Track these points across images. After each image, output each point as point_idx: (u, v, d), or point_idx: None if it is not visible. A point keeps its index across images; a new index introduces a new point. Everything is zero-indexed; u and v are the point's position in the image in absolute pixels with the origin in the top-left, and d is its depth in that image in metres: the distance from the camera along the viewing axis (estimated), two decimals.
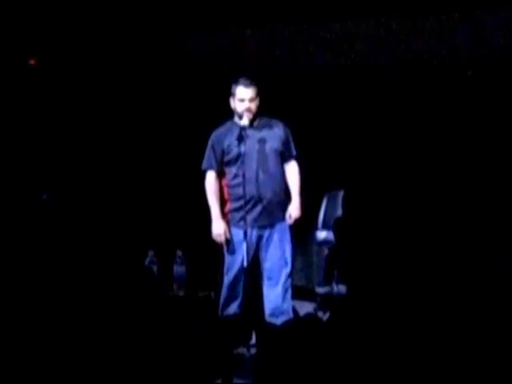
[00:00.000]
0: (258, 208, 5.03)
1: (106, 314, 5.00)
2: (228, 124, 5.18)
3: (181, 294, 6.39)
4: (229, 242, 5.13)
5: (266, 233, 5.09)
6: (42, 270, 5.94)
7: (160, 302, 5.69)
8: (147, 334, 4.79)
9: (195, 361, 4.56)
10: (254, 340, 5.08)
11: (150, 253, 6.65)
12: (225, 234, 5.11)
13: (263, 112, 5.22)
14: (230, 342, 5.00)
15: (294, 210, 5.10)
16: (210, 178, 5.19)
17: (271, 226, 5.10)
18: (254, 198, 5.02)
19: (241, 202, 5.06)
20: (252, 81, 5.11)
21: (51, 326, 4.67)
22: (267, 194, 5.04)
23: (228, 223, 5.14)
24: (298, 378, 4.15)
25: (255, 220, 5.04)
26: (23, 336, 4.52)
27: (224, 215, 5.15)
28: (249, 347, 5.05)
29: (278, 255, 5.09)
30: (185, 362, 4.51)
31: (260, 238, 5.08)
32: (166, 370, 4.39)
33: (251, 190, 5.01)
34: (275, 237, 5.10)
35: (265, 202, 5.04)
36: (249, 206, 5.04)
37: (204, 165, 5.20)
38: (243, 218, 5.03)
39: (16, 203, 7.03)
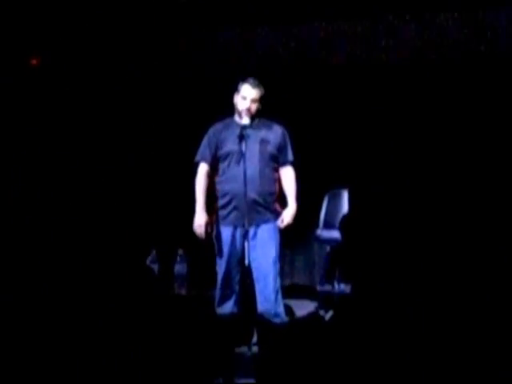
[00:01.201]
0: (242, 206, 5.00)
1: (107, 313, 5.00)
2: (227, 120, 5.19)
3: (182, 292, 6.40)
4: (217, 239, 5.13)
5: (251, 232, 5.06)
6: (43, 270, 5.94)
7: (161, 301, 5.69)
8: (148, 333, 4.78)
9: (196, 360, 4.55)
10: (255, 339, 5.08)
11: (152, 251, 6.65)
12: (205, 226, 5.10)
13: (264, 112, 5.21)
14: (231, 340, 4.99)
15: (287, 216, 5.08)
16: (201, 170, 5.19)
17: (256, 225, 5.07)
18: (238, 196, 5.01)
19: (226, 199, 5.08)
20: (259, 83, 5.11)
21: (52, 325, 4.67)
22: (252, 194, 5.00)
23: (217, 220, 5.14)
24: (299, 377, 4.14)
25: (238, 218, 5.02)
26: (24, 334, 4.52)
27: (214, 211, 5.16)
28: (250, 346, 5.04)
29: (264, 257, 5.05)
30: (186, 361, 4.51)
31: (245, 237, 5.04)
32: (166, 370, 4.38)
33: (236, 187, 5.00)
34: (261, 237, 5.06)
35: (249, 201, 5.00)
36: (234, 204, 5.05)
37: (197, 157, 5.21)
38: (228, 216, 5.06)
39: (16, 203, 7.03)
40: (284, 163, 5.19)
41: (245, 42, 7.21)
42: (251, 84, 5.08)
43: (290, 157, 5.21)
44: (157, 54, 7.45)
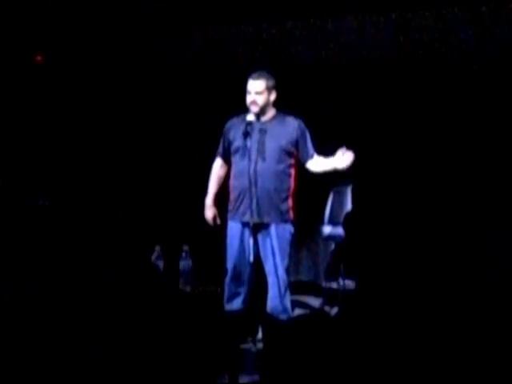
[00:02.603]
0: (249, 202, 4.98)
1: (113, 310, 5.01)
2: (242, 116, 5.18)
3: (187, 289, 6.40)
4: (227, 234, 5.13)
5: (259, 228, 5.03)
6: (48, 266, 5.95)
7: (166, 297, 5.70)
8: (153, 329, 4.79)
9: (201, 356, 4.56)
10: (260, 335, 5.08)
11: (157, 248, 6.66)
12: (213, 219, 5.18)
13: (281, 108, 5.19)
14: (236, 337, 4.99)
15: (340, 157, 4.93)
16: (216, 164, 5.28)
17: (264, 222, 5.03)
18: (245, 191, 5.00)
19: (235, 194, 5.08)
20: (264, 74, 5.09)
21: (57, 322, 4.68)
22: (258, 190, 4.98)
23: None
24: (304, 373, 4.15)
25: (246, 214, 5.02)
26: (27, 331, 4.53)
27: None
28: (255, 342, 5.04)
29: (271, 253, 5.04)
30: (191, 358, 4.51)
31: (255, 234, 5.02)
32: (171, 366, 4.39)
33: (243, 183, 5.00)
34: (268, 234, 5.03)
35: (255, 197, 4.99)
36: (240, 199, 5.05)
37: (217, 151, 5.30)
38: (237, 211, 5.06)
39: (19, 200, 7.03)
40: (307, 159, 5.13)
41: (253, 38, 7.21)
42: (253, 77, 5.07)
43: (311, 151, 5.11)
44: (161, 50, 7.45)
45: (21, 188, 7.12)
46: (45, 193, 7.15)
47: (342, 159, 4.88)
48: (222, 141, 5.24)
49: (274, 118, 5.13)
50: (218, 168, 5.27)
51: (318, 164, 5.10)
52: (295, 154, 5.11)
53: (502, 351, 4.18)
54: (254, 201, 4.98)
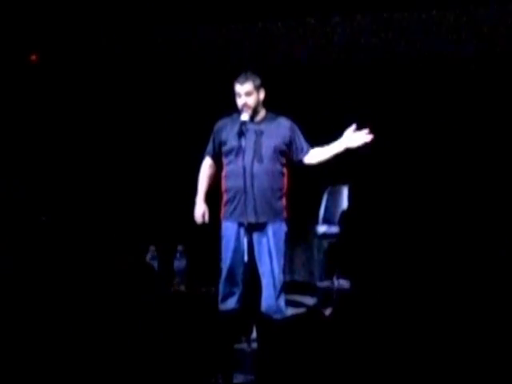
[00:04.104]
0: (244, 202, 4.99)
1: (108, 310, 5.02)
2: (234, 116, 5.18)
3: (182, 288, 6.40)
4: (222, 234, 5.13)
5: (255, 228, 5.04)
6: (43, 266, 5.95)
7: (161, 297, 5.71)
8: (148, 330, 4.80)
9: (196, 356, 4.56)
10: (254, 335, 5.09)
11: (151, 248, 6.66)
12: (203, 216, 5.16)
13: (270, 108, 5.20)
14: (230, 337, 5.00)
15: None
16: (205, 164, 5.27)
17: (260, 222, 5.04)
18: (240, 191, 5.01)
19: (230, 195, 5.08)
20: (249, 75, 5.11)
21: (52, 323, 4.69)
22: (254, 190, 4.99)
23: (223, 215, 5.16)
24: (299, 373, 4.16)
25: (241, 214, 5.01)
26: (24, 333, 4.54)
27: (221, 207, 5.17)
28: (249, 342, 5.05)
29: (268, 253, 5.04)
30: (185, 357, 4.52)
31: (250, 235, 5.03)
32: (166, 366, 4.39)
33: (238, 183, 4.99)
34: (265, 233, 5.03)
35: (251, 197, 5.00)
36: (237, 200, 5.05)
37: (205, 150, 5.28)
38: (232, 212, 5.06)
39: (14, 200, 7.03)
40: (304, 154, 5.17)
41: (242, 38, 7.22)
42: (240, 81, 5.08)
43: (306, 146, 5.15)
44: (157, 50, 7.45)
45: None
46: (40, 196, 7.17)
47: (356, 137, 5.10)
48: (211, 140, 5.22)
49: (266, 117, 5.15)
50: (207, 167, 5.26)
51: (317, 155, 5.15)
52: (288, 154, 5.14)
53: (497, 354, 4.20)
54: (251, 201, 4.99)
